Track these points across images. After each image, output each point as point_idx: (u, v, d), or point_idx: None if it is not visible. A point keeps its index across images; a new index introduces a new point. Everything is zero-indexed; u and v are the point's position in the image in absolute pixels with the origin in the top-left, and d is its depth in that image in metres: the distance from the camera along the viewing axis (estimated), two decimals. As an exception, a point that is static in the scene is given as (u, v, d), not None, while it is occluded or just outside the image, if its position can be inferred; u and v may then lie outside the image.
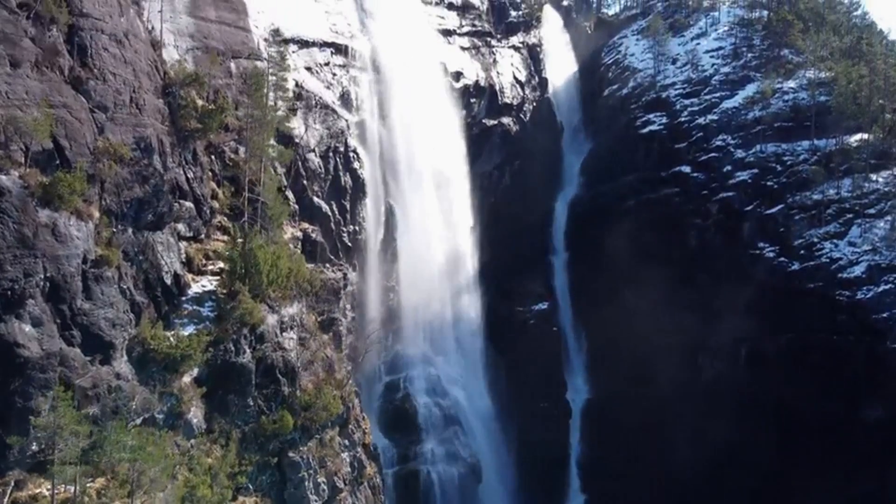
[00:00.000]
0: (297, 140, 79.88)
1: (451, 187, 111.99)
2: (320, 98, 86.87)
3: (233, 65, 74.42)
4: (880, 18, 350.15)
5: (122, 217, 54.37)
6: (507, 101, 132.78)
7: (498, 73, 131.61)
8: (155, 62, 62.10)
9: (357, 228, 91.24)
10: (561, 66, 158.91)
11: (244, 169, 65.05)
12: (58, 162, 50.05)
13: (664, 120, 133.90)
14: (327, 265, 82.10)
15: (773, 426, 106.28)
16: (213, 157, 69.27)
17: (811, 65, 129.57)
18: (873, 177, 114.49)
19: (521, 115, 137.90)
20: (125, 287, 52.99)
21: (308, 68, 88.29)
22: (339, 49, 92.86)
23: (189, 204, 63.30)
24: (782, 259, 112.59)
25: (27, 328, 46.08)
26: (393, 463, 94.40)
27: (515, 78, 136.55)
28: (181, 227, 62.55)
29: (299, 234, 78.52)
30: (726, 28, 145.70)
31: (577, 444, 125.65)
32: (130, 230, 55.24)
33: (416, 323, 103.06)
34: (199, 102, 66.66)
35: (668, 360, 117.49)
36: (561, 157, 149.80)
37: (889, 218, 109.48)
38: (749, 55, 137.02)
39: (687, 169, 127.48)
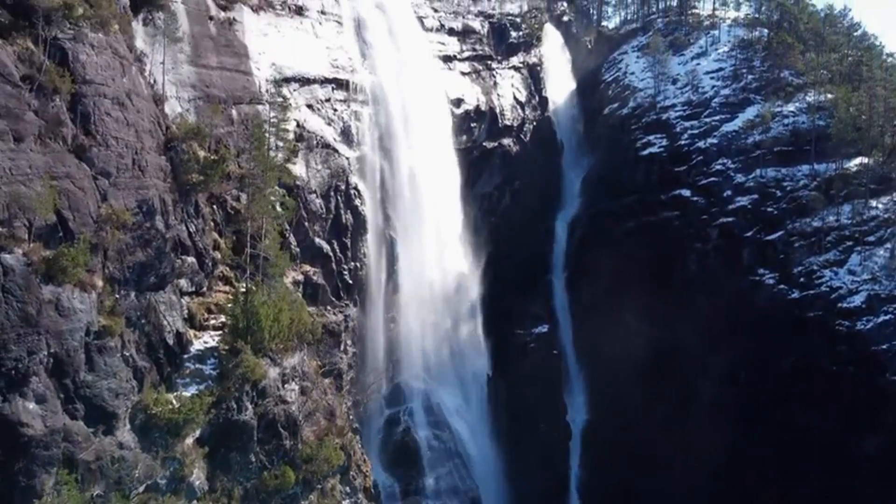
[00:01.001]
0: (298, 183, 80.00)
1: (452, 215, 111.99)
2: (321, 137, 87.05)
3: (234, 112, 74.57)
4: (881, 33, 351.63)
5: (124, 282, 54.67)
6: (508, 122, 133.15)
7: (498, 95, 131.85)
8: (157, 118, 62.30)
9: (358, 265, 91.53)
10: (561, 84, 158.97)
11: (246, 225, 65.15)
12: (61, 234, 50.24)
13: (664, 142, 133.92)
14: (328, 307, 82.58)
15: (774, 452, 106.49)
16: (214, 206, 69.60)
17: (811, 87, 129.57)
18: (873, 203, 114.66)
19: (522, 136, 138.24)
20: (128, 354, 53.30)
21: (309, 105, 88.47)
22: (340, 84, 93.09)
23: (191, 259, 63.57)
24: (782, 286, 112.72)
25: (31, 406, 46.39)
26: (394, 498, 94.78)
27: (516, 99, 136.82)
28: (183, 282, 62.83)
29: (300, 277, 78.97)
30: (727, 48, 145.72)
31: (577, 466, 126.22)
32: (133, 294, 55.53)
33: (417, 353, 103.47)
34: (201, 154, 66.82)
35: (668, 383, 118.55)
36: (561, 176, 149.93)
37: (889, 246, 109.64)
38: (749, 77, 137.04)
39: (687, 192, 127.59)
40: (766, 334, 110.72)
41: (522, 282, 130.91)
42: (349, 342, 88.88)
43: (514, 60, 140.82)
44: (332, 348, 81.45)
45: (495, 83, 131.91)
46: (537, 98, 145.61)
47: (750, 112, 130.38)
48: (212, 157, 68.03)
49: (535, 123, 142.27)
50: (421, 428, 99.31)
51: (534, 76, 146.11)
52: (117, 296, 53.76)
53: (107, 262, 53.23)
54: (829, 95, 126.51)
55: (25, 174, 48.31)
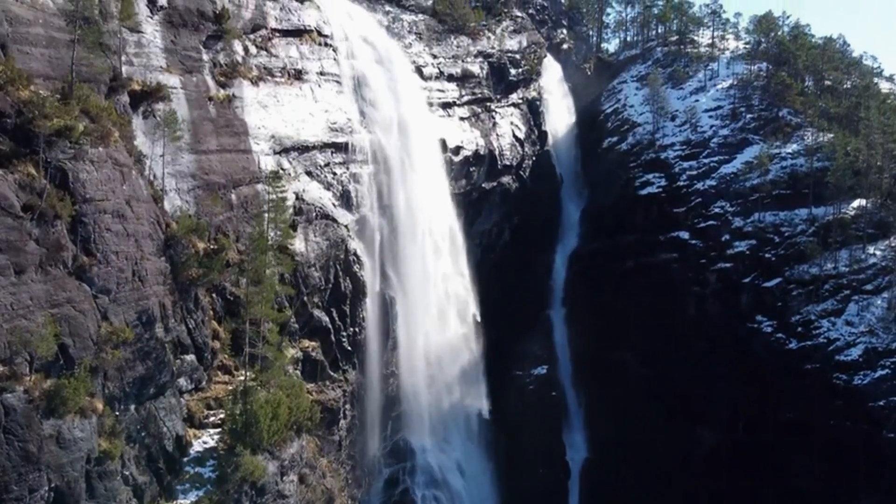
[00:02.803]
0: (297, 259, 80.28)
1: (452, 265, 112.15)
2: (321, 207, 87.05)
3: (234, 196, 74.80)
4: (881, 55, 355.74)
5: (124, 398, 55.18)
6: (507, 162, 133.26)
7: (498, 135, 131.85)
8: (157, 218, 62.64)
9: (357, 330, 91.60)
10: (560, 116, 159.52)
11: (245, 323, 65.56)
12: (62, 362, 50.56)
13: (663, 182, 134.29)
14: (327, 382, 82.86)
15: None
16: (214, 295, 69.89)
17: (809, 126, 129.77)
18: (871, 249, 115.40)
19: (521, 173, 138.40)
20: (127, 473, 53.75)
21: (308, 172, 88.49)
22: (339, 147, 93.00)
23: (190, 357, 64.10)
24: (780, 335, 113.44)
25: (32, 543, 46.83)
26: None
27: (515, 136, 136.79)
28: (182, 381, 63.38)
29: (299, 354, 79.16)
30: (725, 84, 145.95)
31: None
32: (133, 407, 56.06)
33: (417, 408, 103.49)
34: (201, 246, 67.29)
35: (667, 427, 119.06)
36: (560, 208, 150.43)
37: (886, 295, 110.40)
38: (748, 116, 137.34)
39: (685, 235, 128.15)
40: (764, 384, 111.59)
41: (522, 320, 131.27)
42: (348, 406, 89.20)
43: (514, 97, 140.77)
44: (332, 425, 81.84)
45: (494, 124, 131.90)
46: (536, 132, 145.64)
47: (748, 153, 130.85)
48: (211, 247, 68.53)
49: (534, 158, 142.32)
50: (420, 488, 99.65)
51: (533, 111, 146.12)
52: (117, 413, 54.24)
53: (107, 382, 53.69)
54: (828, 135, 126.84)
55: (26, 307, 48.68)
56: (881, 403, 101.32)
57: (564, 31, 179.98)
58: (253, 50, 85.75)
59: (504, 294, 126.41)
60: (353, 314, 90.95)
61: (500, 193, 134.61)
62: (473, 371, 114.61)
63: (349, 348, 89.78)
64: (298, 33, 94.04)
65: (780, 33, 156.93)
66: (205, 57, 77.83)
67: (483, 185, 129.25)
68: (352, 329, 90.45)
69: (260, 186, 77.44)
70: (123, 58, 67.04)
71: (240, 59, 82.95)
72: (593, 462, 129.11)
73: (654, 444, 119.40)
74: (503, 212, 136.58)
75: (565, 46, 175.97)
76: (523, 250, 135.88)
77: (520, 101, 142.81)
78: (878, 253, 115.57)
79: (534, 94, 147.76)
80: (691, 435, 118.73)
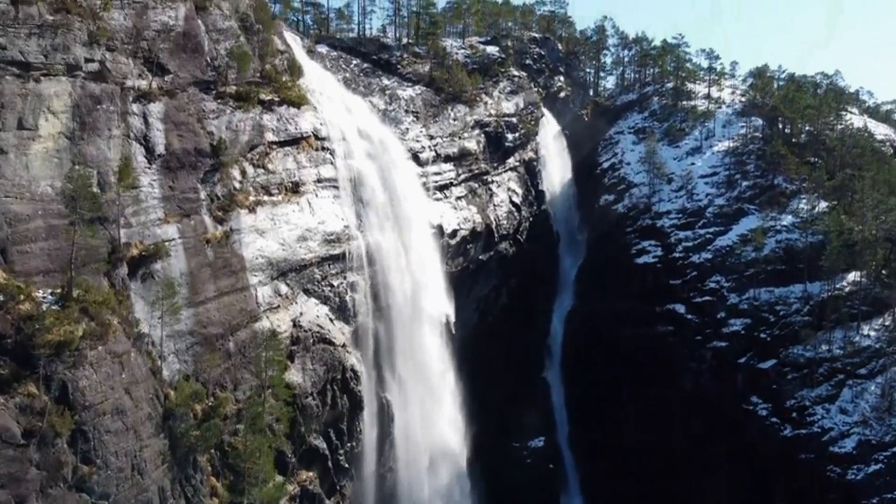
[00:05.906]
0: (295, 392, 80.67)
1: (446, 362, 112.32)
2: (318, 330, 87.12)
3: (231, 344, 75.04)
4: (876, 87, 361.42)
5: None
6: (504, 232, 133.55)
7: (495, 205, 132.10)
8: (156, 392, 63.34)
9: (354, 443, 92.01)
10: (557, 171, 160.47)
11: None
12: (63, 592, 51.42)
13: (659, 252, 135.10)
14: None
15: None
16: (212, 450, 70.38)
17: (805, 192, 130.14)
18: (865, 329, 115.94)
19: (518, 237, 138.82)
20: None
21: (306, 290, 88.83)
22: (336, 258, 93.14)
23: (189, 533, 64.75)
24: (775, 420, 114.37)
25: None
26: None
27: (512, 202, 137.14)
28: (180, 559, 64.02)
29: (297, 490, 79.85)
30: (721, 148, 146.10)
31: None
32: None
33: (415, 501, 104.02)
34: (199, 408, 67.94)
35: (664, 499, 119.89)
36: (557, 264, 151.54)
37: (880, 380, 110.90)
38: (743, 184, 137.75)
39: (681, 309, 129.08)
40: (760, 469, 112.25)
41: (520, 385, 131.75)
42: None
43: (511, 161, 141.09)
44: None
45: (491, 195, 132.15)
46: (534, 193, 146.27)
47: (744, 224, 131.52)
48: (209, 404, 69.19)
49: (531, 220, 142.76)
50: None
51: (530, 171, 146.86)
52: None
53: None
54: (823, 205, 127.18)
55: (27, 545, 49.48)
56: (874, 501, 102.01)
57: (562, 77, 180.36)
58: (250, 171, 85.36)
59: (502, 358, 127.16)
60: (351, 429, 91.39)
61: (498, 260, 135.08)
62: (464, 454, 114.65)
63: (346, 465, 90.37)
64: (295, 142, 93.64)
65: (775, 87, 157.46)
66: (202, 194, 77.64)
67: (480, 258, 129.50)
68: (349, 444, 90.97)
69: (258, 325, 77.93)
70: (122, 220, 67.12)
71: (237, 186, 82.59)
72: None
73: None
74: (500, 276, 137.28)
75: (562, 94, 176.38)
76: (521, 312, 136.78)
77: (517, 163, 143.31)
78: (872, 334, 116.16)
79: (531, 154, 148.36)
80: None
